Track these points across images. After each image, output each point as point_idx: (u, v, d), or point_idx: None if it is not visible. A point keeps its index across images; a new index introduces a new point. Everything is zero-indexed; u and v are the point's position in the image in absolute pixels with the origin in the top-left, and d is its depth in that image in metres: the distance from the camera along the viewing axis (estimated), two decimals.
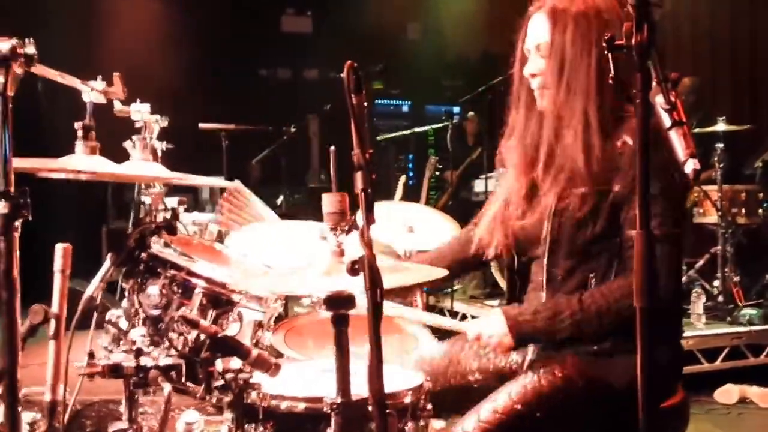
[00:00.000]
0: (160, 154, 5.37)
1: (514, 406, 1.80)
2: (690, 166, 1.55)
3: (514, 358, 2.06)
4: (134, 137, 2.21)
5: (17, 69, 1.40)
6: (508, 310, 1.94)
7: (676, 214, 1.83)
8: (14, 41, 1.41)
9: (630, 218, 1.82)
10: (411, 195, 6.17)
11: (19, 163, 1.52)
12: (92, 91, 1.77)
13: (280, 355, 2.12)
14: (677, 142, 1.57)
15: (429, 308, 5.79)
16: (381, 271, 1.27)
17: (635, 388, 1.83)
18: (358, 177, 1.20)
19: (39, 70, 1.51)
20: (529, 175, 2.00)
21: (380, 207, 2.94)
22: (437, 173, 6.53)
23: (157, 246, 2.05)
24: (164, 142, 5.86)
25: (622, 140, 1.86)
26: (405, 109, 9.05)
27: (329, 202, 1.42)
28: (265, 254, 2.43)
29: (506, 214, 2.04)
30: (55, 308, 1.51)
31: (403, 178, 6.09)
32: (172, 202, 5.93)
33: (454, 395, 2.05)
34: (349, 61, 1.19)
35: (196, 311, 1.74)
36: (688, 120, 1.53)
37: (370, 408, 1.34)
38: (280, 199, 8.70)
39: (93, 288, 1.75)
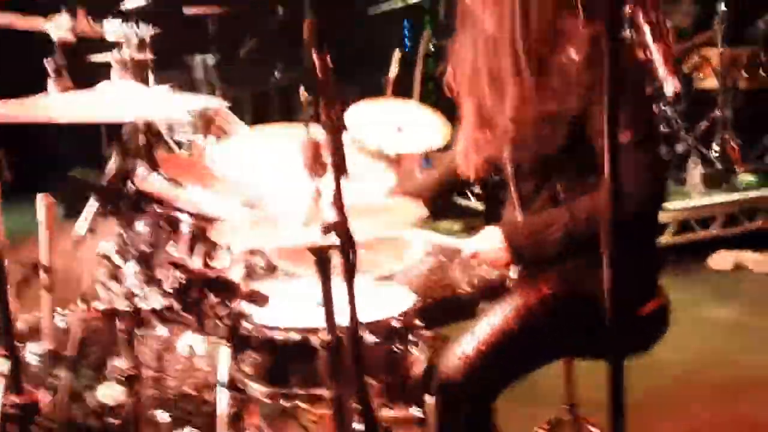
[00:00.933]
0: (148, 41, 5.24)
1: (506, 326, 1.86)
2: (670, 86, 1.53)
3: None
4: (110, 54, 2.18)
5: None
6: (503, 226, 1.97)
7: (646, 118, 1.82)
8: None
9: (598, 130, 1.80)
10: (408, 68, 6.02)
11: None
12: (58, 29, 1.72)
13: None
14: (658, 59, 1.54)
15: None
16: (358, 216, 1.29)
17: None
18: (329, 141, 1.19)
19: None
20: (480, 99, 1.97)
21: (367, 107, 2.93)
22: (432, 47, 6.35)
23: (142, 171, 2.06)
24: (150, 26, 5.68)
25: (566, 55, 1.82)
26: None
27: (305, 148, 1.41)
28: (251, 168, 2.42)
29: (473, 138, 2.03)
30: (43, 260, 1.53)
31: (397, 53, 5.94)
32: (163, 88, 5.82)
33: (441, 307, 2.10)
34: (308, 19, 1.14)
35: (185, 246, 1.77)
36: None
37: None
38: (277, 74, 8.59)
39: (83, 228, 1.78)
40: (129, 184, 1.85)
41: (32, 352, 1.85)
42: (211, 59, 8.54)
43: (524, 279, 2.01)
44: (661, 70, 1.50)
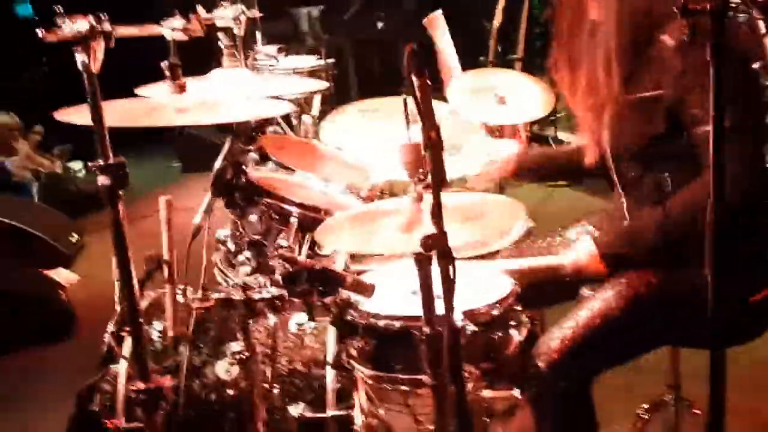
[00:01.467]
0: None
1: (608, 311, 1.89)
2: None
3: None
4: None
5: (97, 47, 1.46)
6: (596, 238, 1.98)
7: (749, 102, 1.76)
8: (91, 19, 1.45)
9: (692, 116, 1.76)
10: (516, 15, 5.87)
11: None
12: (173, 31, 1.81)
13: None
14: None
15: (533, 137, 5.76)
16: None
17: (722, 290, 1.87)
18: (430, 159, 1.23)
19: (119, 33, 1.56)
20: (582, 85, 1.95)
21: (469, 78, 2.93)
22: None
23: (253, 157, 2.16)
24: None
25: (661, 42, 1.78)
26: None
27: (406, 152, 1.45)
28: (359, 145, 2.49)
29: (584, 124, 2.02)
30: (165, 256, 1.65)
31: (501, 1, 5.81)
32: (270, 49, 5.96)
33: (543, 287, 2.12)
34: (408, 45, 1.17)
35: (293, 237, 1.86)
36: None
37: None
38: (380, 25, 8.60)
39: (199, 218, 1.90)
40: (241, 175, 1.96)
41: (156, 330, 2.01)
42: (315, 11, 8.65)
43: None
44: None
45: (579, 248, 1.98)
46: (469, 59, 7.21)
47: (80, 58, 1.45)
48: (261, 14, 5.68)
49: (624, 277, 1.95)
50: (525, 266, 2.12)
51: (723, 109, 1.65)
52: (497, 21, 5.82)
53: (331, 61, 5.39)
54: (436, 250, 1.24)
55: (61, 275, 4.35)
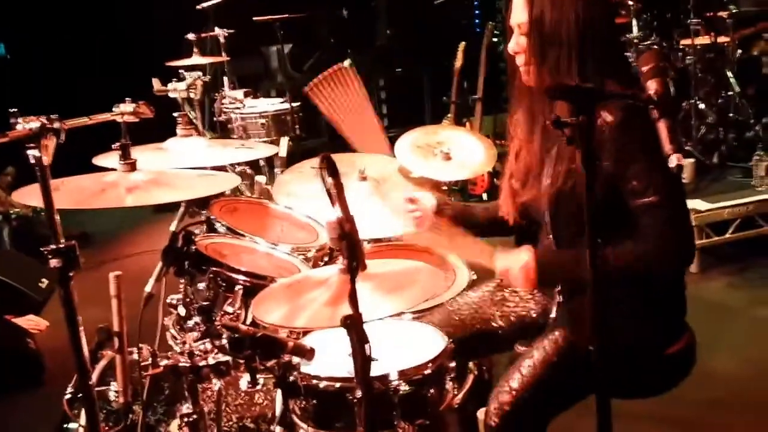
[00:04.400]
0: (222, 40, 5.49)
1: (536, 370, 2.02)
2: (674, 161, 1.64)
3: (533, 307, 2.25)
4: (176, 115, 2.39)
5: (48, 143, 1.59)
6: (538, 249, 2.06)
7: (666, 180, 1.89)
8: (43, 119, 1.59)
9: (630, 190, 1.90)
10: (471, 62, 6.07)
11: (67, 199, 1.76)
12: (124, 115, 1.94)
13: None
14: (663, 135, 1.65)
15: (494, 188, 5.90)
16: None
17: (642, 344, 2.02)
18: (343, 249, 1.37)
19: (69, 125, 1.69)
20: (530, 148, 2.08)
21: (416, 135, 3.08)
22: (495, 39, 6.37)
23: (203, 229, 2.29)
24: (224, 30, 5.92)
25: (601, 117, 1.89)
26: None
27: (330, 228, 1.58)
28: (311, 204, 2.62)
29: (512, 186, 2.15)
30: (116, 327, 1.78)
31: (462, 45, 5.99)
32: (237, 93, 6.08)
33: (478, 340, 2.27)
34: (323, 154, 1.32)
35: (239, 303, 1.99)
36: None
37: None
38: (347, 62, 8.78)
39: (150, 286, 2.03)
40: (191, 244, 2.09)
41: (113, 390, 2.12)
42: (285, 49, 8.81)
43: (562, 319, 2.14)
44: (666, 148, 1.62)
45: (514, 254, 2.05)
46: (437, 97, 7.43)
47: (33, 153, 1.59)
48: (228, 57, 5.83)
49: (556, 330, 2.10)
50: (458, 318, 2.25)
51: (647, 186, 1.82)
52: (458, 62, 6.00)
53: (296, 104, 5.54)
54: (352, 331, 1.37)
55: (31, 322, 4.43)
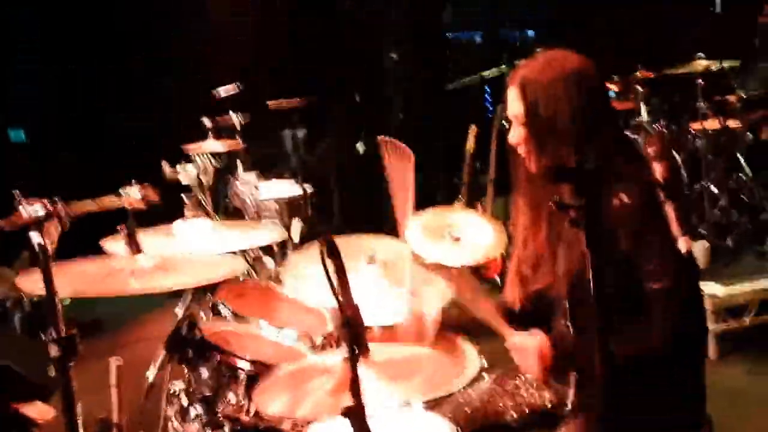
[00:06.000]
0: (239, 128, 5.54)
1: None
2: (682, 246, 1.62)
3: (547, 396, 2.18)
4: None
5: (52, 228, 1.59)
6: (553, 332, 2.02)
7: (676, 266, 1.86)
8: (47, 203, 1.59)
9: (646, 272, 1.87)
10: (484, 143, 6.10)
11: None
12: (130, 201, 1.94)
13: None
14: (671, 218, 1.64)
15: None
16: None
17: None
18: (343, 338, 1.34)
19: (76, 209, 1.69)
20: (537, 235, 2.06)
21: (426, 217, 3.06)
22: (505, 122, 6.43)
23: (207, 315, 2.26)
24: (239, 115, 5.98)
25: (619, 198, 1.87)
26: (477, 39, 8.86)
27: (334, 317, 1.56)
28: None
29: (522, 272, 2.12)
30: (115, 419, 1.73)
31: (473, 129, 6.05)
32: (250, 176, 6.11)
33: None
34: (322, 236, 1.30)
35: (242, 392, 1.94)
36: None
37: None
38: (359, 145, 8.89)
39: (153, 375, 1.98)
40: (195, 331, 2.05)
41: None
42: (300, 133, 8.95)
43: (578, 409, 2.07)
44: (675, 231, 1.60)
45: (529, 334, 2.01)
46: (449, 178, 7.48)
47: (36, 238, 1.58)
48: (244, 144, 5.90)
49: (573, 421, 2.03)
50: (469, 410, 2.19)
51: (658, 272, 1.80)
52: (470, 145, 6.05)
53: (309, 189, 5.56)
54: (354, 423, 1.33)
55: (37, 409, 4.35)
